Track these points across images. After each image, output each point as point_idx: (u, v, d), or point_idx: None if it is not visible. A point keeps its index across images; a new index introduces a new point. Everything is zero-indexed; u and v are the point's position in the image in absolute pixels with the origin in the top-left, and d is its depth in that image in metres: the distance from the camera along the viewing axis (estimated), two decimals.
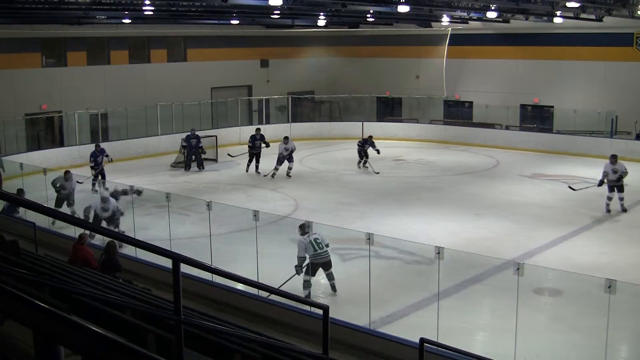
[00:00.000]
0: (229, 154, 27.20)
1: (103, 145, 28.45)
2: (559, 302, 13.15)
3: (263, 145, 25.78)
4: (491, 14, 27.04)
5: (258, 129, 26.78)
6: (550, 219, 18.90)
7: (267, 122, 34.62)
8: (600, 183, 19.83)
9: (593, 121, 30.31)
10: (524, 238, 17.06)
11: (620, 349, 11.10)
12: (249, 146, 25.91)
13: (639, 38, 30.18)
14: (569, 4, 22.97)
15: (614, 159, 19.68)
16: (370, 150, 26.16)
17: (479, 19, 30.66)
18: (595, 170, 24.72)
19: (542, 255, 15.61)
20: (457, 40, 35.32)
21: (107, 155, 23.40)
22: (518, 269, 9.54)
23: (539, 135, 31.14)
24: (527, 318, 10.72)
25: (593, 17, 28.01)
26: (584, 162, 26.68)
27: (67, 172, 18.98)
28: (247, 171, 25.66)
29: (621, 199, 19.60)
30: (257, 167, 25.61)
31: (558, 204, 20.61)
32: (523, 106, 33.89)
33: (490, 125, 33.13)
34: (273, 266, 13.53)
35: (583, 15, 27.27)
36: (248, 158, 25.91)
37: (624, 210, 19.55)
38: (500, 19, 30.81)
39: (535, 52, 32.91)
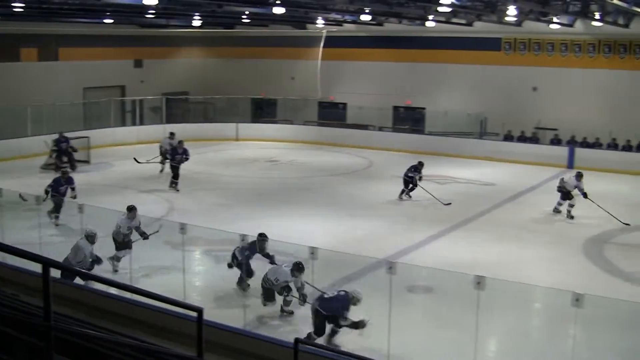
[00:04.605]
0: (134, 159, 24.29)
1: None
2: (432, 299, 13.39)
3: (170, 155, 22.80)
4: (365, 17, 27.43)
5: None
6: (423, 219, 19.30)
7: (141, 123, 34.02)
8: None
9: (463, 122, 31.32)
10: (399, 237, 17.30)
11: (489, 343, 11.38)
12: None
13: (507, 43, 31.36)
14: (440, 9, 23.53)
15: (579, 176, 19.43)
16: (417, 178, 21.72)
17: (353, 22, 31.08)
18: (465, 171, 25.55)
19: (416, 253, 15.87)
20: (332, 42, 35.73)
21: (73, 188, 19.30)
22: (390, 267, 9.62)
23: (411, 136, 31.83)
24: (401, 316, 10.83)
25: (464, 21, 28.89)
26: (455, 163, 27.44)
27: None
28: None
29: (571, 205, 19.39)
30: (174, 182, 22.42)
31: (431, 203, 21.00)
32: (396, 108, 34.59)
33: (364, 127, 33.62)
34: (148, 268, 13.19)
35: (454, 20, 28.07)
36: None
37: (571, 217, 19.35)
38: (374, 22, 31.31)
39: (409, 55, 33.69)
